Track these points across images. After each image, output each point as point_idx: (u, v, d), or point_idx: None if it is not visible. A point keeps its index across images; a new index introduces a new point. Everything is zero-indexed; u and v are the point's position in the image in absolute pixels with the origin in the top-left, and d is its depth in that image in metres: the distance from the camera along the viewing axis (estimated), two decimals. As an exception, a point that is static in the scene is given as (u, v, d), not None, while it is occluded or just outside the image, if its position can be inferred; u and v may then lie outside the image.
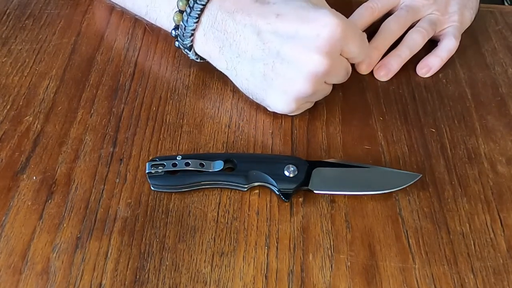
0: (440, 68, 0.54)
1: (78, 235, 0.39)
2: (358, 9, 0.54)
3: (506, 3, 0.94)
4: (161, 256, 0.38)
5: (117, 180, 0.43)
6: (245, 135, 0.47)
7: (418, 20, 0.55)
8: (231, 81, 0.48)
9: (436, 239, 0.40)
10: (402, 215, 0.42)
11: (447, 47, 0.53)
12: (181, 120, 0.47)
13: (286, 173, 0.42)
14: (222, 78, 0.51)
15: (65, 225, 0.40)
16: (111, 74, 0.51)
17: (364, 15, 0.54)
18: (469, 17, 0.56)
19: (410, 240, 0.40)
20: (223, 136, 0.46)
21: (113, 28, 0.55)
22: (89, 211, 0.40)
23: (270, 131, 0.47)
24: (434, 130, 0.48)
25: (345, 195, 0.43)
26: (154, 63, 0.52)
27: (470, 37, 0.58)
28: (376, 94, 0.51)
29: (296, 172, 0.42)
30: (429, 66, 0.53)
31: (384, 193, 0.43)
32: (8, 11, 0.57)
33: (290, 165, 0.42)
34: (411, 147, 0.47)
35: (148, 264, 0.38)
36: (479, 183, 0.44)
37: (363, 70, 0.53)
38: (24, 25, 0.55)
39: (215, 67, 0.48)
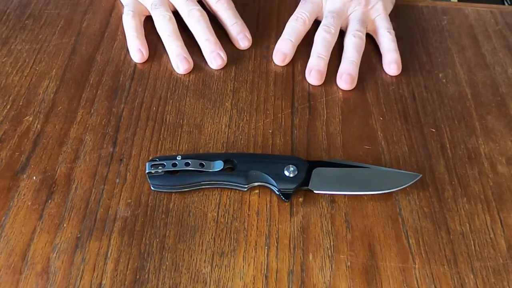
0: (440, 68, 0.54)
1: (78, 235, 0.39)
2: (289, 22, 0.54)
3: (506, 3, 0.94)
4: (161, 256, 0.38)
5: (117, 180, 0.43)
6: (245, 135, 0.47)
7: (347, 21, 0.55)
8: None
9: (436, 239, 0.40)
10: (402, 215, 0.42)
11: (390, 39, 0.54)
12: (181, 120, 0.47)
13: (286, 173, 0.42)
14: (222, 78, 0.51)
15: (65, 225, 0.40)
16: (111, 74, 0.51)
17: (297, 27, 0.54)
18: (389, 0, 0.57)
19: (410, 240, 0.40)
20: (223, 136, 0.46)
21: (113, 28, 0.55)
22: (89, 211, 0.40)
23: (270, 131, 0.47)
24: (434, 130, 0.48)
25: (345, 195, 0.43)
26: (154, 63, 0.52)
27: (470, 37, 0.58)
28: (376, 94, 0.51)
29: (296, 172, 0.42)
30: (394, 62, 0.53)
31: (384, 193, 0.43)
32: (8, 11, 0.57)
33: (290, 165, 0.42)
34: (411, 147, 0.47)
35: (148, 264, 0.38)
36: (479, 183, 0.44)
37: (312, 80, 0.51)
38: (24, 25, 0.55)
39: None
